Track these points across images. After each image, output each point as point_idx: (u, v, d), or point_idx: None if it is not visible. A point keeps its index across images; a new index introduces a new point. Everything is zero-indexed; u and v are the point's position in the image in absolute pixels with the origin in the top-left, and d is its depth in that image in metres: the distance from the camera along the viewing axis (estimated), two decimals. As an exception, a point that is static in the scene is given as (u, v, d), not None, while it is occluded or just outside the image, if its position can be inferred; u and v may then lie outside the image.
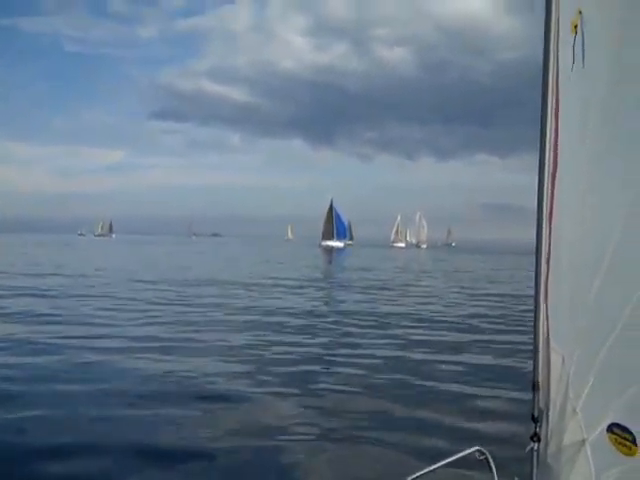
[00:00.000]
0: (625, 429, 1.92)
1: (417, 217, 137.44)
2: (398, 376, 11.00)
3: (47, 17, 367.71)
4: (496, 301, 24.05)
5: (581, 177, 1.98)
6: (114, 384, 9.85)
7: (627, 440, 1.91)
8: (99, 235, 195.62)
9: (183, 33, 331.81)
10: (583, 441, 2.07)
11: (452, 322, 18.05)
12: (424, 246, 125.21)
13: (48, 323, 15.84)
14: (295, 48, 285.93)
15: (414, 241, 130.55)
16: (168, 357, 12.13)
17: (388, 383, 10.55)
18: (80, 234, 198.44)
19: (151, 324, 16.25)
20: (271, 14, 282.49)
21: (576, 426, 2.10)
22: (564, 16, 1.95)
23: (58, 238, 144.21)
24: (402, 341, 14.76)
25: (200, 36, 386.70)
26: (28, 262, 43.47)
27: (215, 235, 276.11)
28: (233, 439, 7.47)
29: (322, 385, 10.41)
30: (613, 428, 1.95)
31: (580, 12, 1.89)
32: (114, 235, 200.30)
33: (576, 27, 1.89)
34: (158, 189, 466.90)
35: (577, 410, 2.10)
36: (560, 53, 1.98)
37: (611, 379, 1.96)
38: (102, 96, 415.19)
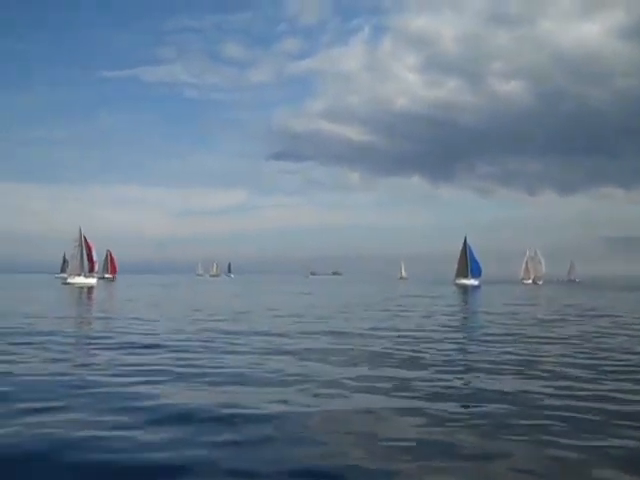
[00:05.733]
0: None
1: (534, 252, 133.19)
2: None
3: (166, 65, 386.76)
4: None
5: None
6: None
7: None
8: (213, 275, 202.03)
9: (296, 75, 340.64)
10: None
11: None
12: (540, 282, 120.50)
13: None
14: (408, 85, 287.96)
15: (531, 277, 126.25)
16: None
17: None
18: (199, 274, 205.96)
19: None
20: (382, 54, 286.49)
21: None
22: None
23: (182, 278, 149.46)
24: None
25: (313, 77, 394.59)
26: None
27: (335, 274, 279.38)
28: None
29: None
30: None
31: None
32: (232, 275, 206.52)
33: None
34: (279, 229, 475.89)
35: None
36: None
37: None
38: (218, 140, 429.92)
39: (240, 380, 11.55)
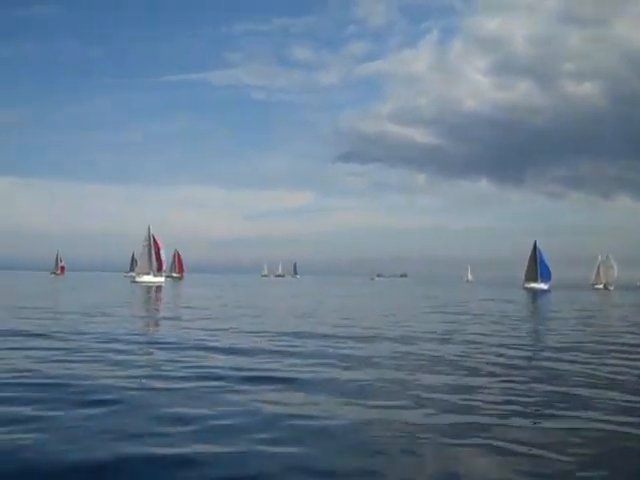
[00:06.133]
0: None
1: (606, 257, 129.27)
2: None
3: (234, 69, 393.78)
4: None
5: None
6: None
7: None
8: (278, 276, 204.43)
9: (364, 77, 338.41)
10: None
11: None
12: (611, 287, 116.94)
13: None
14: (478, 87, 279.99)
15: (603, 282, 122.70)
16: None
17: None
18: (264, 275, 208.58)
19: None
20: (452, 56, 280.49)
21: None
22: None
23: (248, 278, 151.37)
24: None
25: (381, 79, 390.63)
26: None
27: (403, 276, 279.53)
28: None
29: None
30: None
31: None
32: (298, 276, 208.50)
33: None
34: (344, 231, 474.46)
35: None
36: None
37: None
38: (285, 141, 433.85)
39: (312, 387, 11.20)
